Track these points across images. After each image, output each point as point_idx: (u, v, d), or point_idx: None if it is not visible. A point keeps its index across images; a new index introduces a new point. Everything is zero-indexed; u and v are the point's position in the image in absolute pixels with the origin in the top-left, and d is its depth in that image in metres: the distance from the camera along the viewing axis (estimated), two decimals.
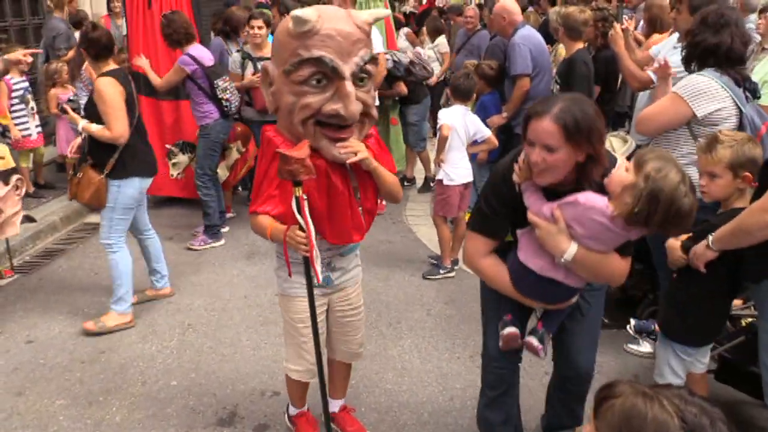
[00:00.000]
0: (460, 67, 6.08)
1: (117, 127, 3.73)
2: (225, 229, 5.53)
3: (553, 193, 2.11)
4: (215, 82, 5.03)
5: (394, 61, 5.90)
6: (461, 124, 4.47)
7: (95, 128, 3.76)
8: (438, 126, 4.55)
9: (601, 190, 2.06)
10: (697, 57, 3.01)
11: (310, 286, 2.40)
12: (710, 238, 2.39)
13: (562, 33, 4.78)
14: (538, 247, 2.17)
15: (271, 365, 3.53)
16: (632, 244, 2.16)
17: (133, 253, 4.11)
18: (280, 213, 2.38)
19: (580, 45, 4.75)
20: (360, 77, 2.26)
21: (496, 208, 2.24)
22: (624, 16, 5.58)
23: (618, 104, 6.10)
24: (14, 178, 4.07)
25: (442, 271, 4.68)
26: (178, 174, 5.60)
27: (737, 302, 3.08)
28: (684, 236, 2.55)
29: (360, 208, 2.44)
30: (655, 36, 4.72)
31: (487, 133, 4.59)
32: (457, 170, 4.51)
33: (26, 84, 6.00)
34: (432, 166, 5.88)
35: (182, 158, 5.58)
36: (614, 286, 2.34)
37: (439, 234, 4.72)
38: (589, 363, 2.57)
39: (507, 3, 5.23)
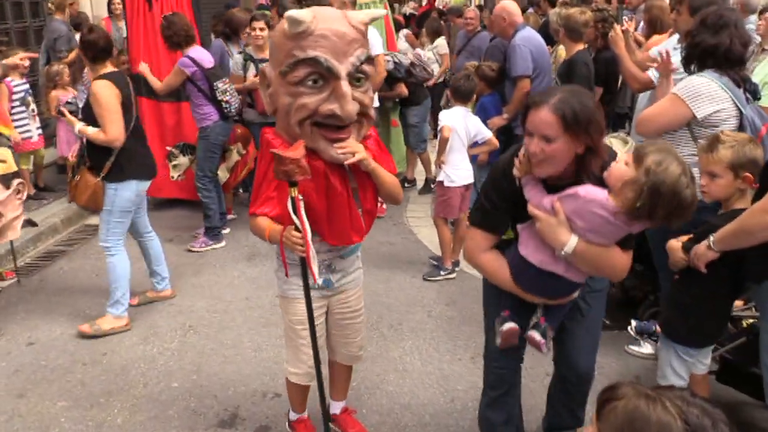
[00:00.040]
0: (461, 68, 6.08)
1: (112, 131, 3.71)
2: (226, 231, 5.54)
3: (553, 188, 2.11)
4: (215, 84, 5.03)
5: (395, 62, 5.91)
6: (462, 125, 4.48)
7: (91, 131, 3.75)
8: (439, 128, 4.56)
9: (602, 184, 2.05)
10: (696, 58, 3.01)
11: (306, 287, 2.39)
12: (711, 238, 2.39)
13: (563, 34, 4.79)
14: (538, 241, 2.16)
15: (272, 367, 3.53)
16: (633, 238, 2.16)
17: (134, 254, 4.11)
18: (278, 214, 2.38)
19: (580, 46, 4.75)
20: (356, 77, 2.26)
21: (497, 202, 2.24)
22: (624, 17, 5.57)
23: (618, 105, 6.11)
24: (16, 182, 4.05)
25: (443, 273, 4.68)
26: (179, 176, 5.60)
27: (738, 303, 3.08)
28: (685, 237, 2.56)
29: (360, 210, 2.44)
30: (655, 37, 4.72)
31: (487, 134, 4.60)
32: (458, 172, 4.52)
33: (27, 86, 6.01)
34: (432, 167, 5.89)
35: (183, 160, 5.57)
36: (615, 280, 2.33)
37: (440, 235, 4.72)
38: (589, 364, 2.57)
39: (507, 4, 5.23)
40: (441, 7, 12.62)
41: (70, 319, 4.11)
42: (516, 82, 5.04)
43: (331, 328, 2.73)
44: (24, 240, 5.16)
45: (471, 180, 4.60)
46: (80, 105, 5.83)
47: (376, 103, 5.57)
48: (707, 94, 2.88)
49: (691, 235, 2.52)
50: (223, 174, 5.56)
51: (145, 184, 4.01)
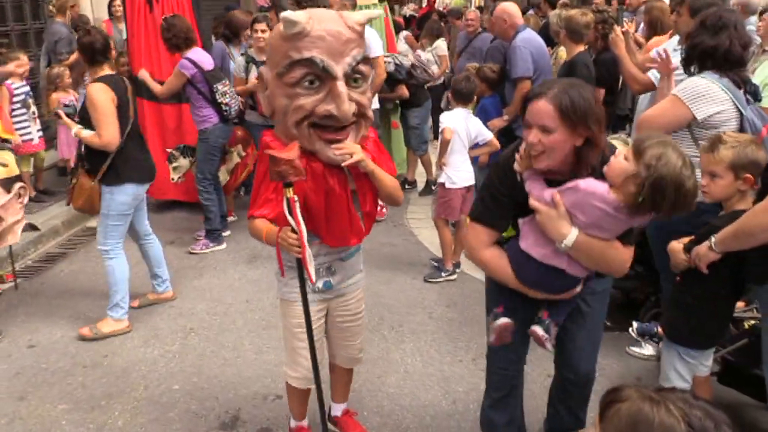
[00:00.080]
0: (462, 70, 6.09)
1: (107, 134, 3.70)
2: (226, 233, 5.53)
3: (554, 182, 2.11)
4: (215, 86, 5.03)
5: (395, 64, 5.91)
6: (463, 127, 4.48)
7: (86, 134, 3.75)
8: (440, 129, 4.56)
9: (602, 177, 2.05)
10: (695, 59, 3.01)
11: (303, 288, 2.38)
12: (713, 239, 2.39)
13: (564, 35, 4.79)
14: (540, 235, 2.16)
15: (273, 369, 3.52)
16: (634, 233, 2.16)
17: (134, 256, 4.11)
18: (276, 216, 2.37)
19: (581, 48, 4.75)
20: (353, 78, 2.25)
21: (498, 198, 2.24)
22: (624, 18, 5.59)
23: (619, 107, 6.11)
24: (17, 186, 4.02)
25: (443, 274, 4.67)
26: (179, 178, 5.60)
27: (740, 305, 3.07)
28: (686, 239, 2.56)
29: (359, 212, 2.43)
30: (656, 38, 4.72)
31: (488, 135, 4.60)
32: (459, 173, 4.52)
33: (27, 88, 6.01)
34: (433, 168, 5.89)
35: (183, 162, 5.58)
36: (616, 275, 2.32)
37: (441, 237, 4.72)
38: (589, 365, 2.56)
39: (507, 6, 5.23)
40: (441, 8, 12.64)
41: (71, 322, 4.11)
42: (516, 84, 5.05)
43: (331, 331, 2.72)
44: (24, 242, 5.15)
45: (472, 182, 4.60)
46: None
47: (376, 105, 5.57)
48: (707, 95, 2.88)
49: (693, 237, 2.52)
50: (223, 176, 5.57)
51: (143, 188, 3.99)
